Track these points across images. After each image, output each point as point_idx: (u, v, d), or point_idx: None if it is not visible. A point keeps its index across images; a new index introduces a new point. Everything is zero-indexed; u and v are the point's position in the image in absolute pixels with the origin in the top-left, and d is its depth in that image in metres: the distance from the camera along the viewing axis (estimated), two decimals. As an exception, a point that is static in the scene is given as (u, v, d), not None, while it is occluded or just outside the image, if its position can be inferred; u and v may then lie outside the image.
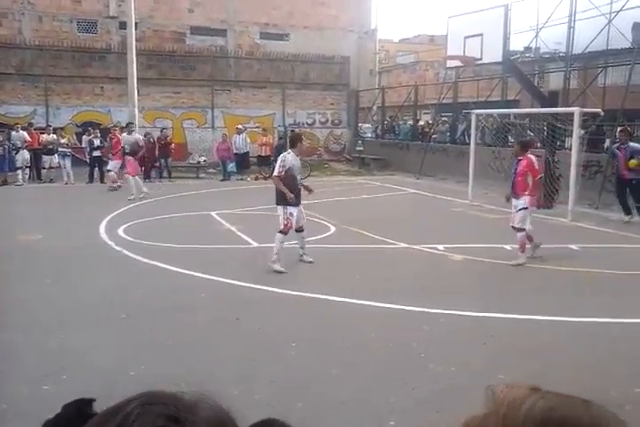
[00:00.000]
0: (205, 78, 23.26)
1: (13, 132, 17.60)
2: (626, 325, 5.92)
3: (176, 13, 23.20)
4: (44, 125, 19.34)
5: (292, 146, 8.28)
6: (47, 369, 4.69)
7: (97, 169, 17.94)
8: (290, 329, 5.70)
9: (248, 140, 20.06)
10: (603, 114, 13.33)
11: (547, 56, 22.19)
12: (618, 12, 16.81)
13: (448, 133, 21.81)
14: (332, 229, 10.84)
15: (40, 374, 4.59)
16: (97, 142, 17.73)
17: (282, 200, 7.97)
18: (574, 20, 15.91)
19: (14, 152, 17.29)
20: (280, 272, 7.68)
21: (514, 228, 8.35)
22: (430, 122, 24.35)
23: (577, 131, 12.10)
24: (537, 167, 8.29)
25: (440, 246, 9.32)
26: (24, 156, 17.38)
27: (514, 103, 19.24)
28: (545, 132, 14.39)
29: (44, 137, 17.92)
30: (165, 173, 19.01)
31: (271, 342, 5.37)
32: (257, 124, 22.97)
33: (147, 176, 18.55)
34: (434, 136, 21.82)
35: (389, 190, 16.91)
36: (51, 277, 7.46)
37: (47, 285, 7.16)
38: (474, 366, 4.84)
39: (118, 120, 20.88)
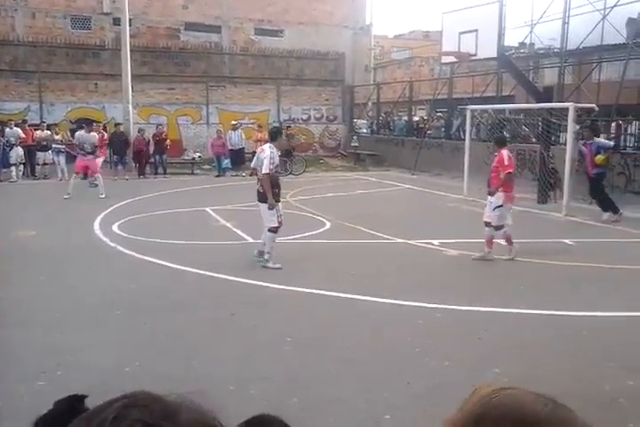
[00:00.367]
0: (200, 74, 23.18)
1: (7, 129, 17.52)
2: (620, 318, 5.95)
3: (170, 9, 23.10)
4: (38, 122, 19.25)
5: (273, 139, 8.11)
6: (42, 366, 4.67)
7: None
8: (285, 324, 5.71)
9: (243, 136, 20.06)
10: (597, 109, 13.35)
11: (541, 52, 22.24)
12: (612, 7, 16.86)
13: (443, 129, 21.82)
14: (328, 224, 10.85)
15: (35, 370, 4.58)
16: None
17: (273, 198, 7.87)
18: (569, 16, 15.95)
19: (8, 149, 17.22)
20: (276, 269, 7.68)
21: (485, 223, 8.39)
22: (425, 118, 24.36)
23: (571, 126, 12.12)
24: (507, 163, 8.25)
25: (435, 242, 9.34)
26: (18, 152, 17.30)
27: (509, 99, 19.25)
28: (540, 128, 14.41)
29: (38, 133, 17.84)
30: (160, 170, 18.97)
31: (266, 337, 5.38)
32: (252, 120, 22.93)
33: (141, 172, 18.54)
34: (429, 132, 21.83)
35: (385, 186, 16.92)
36: (45, 275, 7.44)
37: (41, 282, 7.13)
38: (469, 361, 4.85)
39: (112, 117, 20.84)
